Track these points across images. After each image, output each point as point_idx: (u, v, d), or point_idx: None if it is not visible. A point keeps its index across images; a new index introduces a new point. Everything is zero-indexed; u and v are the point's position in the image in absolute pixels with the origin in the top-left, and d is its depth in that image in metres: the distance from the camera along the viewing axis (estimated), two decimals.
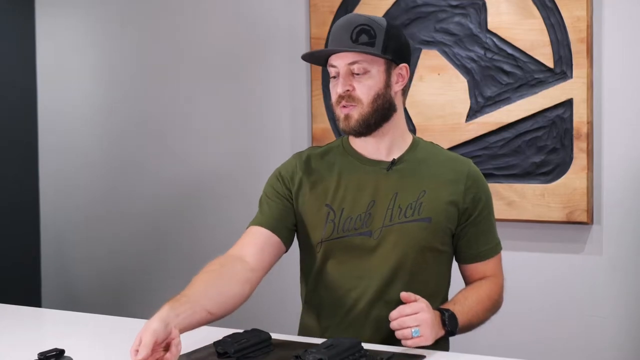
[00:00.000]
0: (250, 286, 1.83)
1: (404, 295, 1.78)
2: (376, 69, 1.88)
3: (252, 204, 3.37)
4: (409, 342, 1.75)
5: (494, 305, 1.97)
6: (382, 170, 1.94)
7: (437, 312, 1.82)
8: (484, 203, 1.95)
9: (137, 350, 1.52)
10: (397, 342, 1.81)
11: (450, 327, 1.82)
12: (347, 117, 1.88)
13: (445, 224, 1.91)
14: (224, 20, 3.45)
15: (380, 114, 1.89)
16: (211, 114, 3.49)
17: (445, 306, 1.87)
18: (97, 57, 3.79)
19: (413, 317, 1.75)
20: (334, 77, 1.90)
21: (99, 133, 3.78)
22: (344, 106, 1.88)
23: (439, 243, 1.91)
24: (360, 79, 1.87)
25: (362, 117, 1.87)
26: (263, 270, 1.89)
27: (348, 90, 1.87)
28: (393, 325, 1.76)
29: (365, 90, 1.87)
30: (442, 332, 1.81)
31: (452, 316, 1.84)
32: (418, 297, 1.78)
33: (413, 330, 1.74)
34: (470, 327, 1.91)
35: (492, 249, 1.98)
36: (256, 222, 1.95)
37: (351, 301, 1.91)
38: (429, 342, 1.76)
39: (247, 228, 1.96)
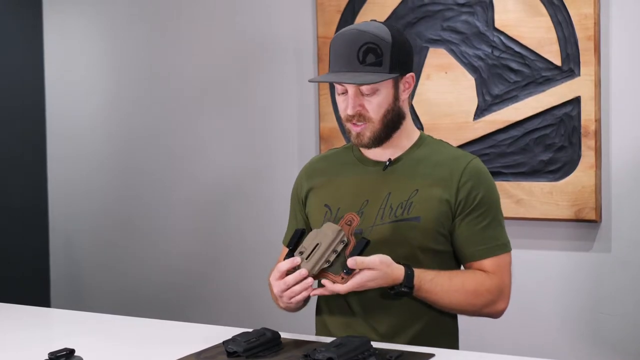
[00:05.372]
0: None
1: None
2: (385, 87, 1.87)
3: (258, 201, 3.42)
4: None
5: (477, 298, 1.86)
6: (379, 170, 1.95)
7: (397, 271, 1.79)
8: (482, 199, 1.88)
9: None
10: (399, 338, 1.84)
11: (406, 284, 1.79)
12: (358, 135, 1.90)
13: (436, 224, 1.87)
14: (231, 20, 3.45)
15: (391, 127, 1.90)
16: (219, 113, 3.50)
17: (422, 274, 1.82)
18: (106, 61, 3.79)
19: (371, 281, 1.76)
20: (342, 93, 1.89)
21: (108, 138, 3.78)
22: (354, 124, 1.89)
23: (432, 243, 1.87)
24: (369, 98, 1.87)
25: (374, 134, 1.89)
26: None
27: (358, 110, 1.88)
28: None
29: (376, 108, 1.87)
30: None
31: (410, 276, 1.80)
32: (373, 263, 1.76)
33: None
34: (436, 304, 1.85)
35: (490, 249, 1.88)
36: (285, 241, 2.08)
37: (348, 299, 1.91)
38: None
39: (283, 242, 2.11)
